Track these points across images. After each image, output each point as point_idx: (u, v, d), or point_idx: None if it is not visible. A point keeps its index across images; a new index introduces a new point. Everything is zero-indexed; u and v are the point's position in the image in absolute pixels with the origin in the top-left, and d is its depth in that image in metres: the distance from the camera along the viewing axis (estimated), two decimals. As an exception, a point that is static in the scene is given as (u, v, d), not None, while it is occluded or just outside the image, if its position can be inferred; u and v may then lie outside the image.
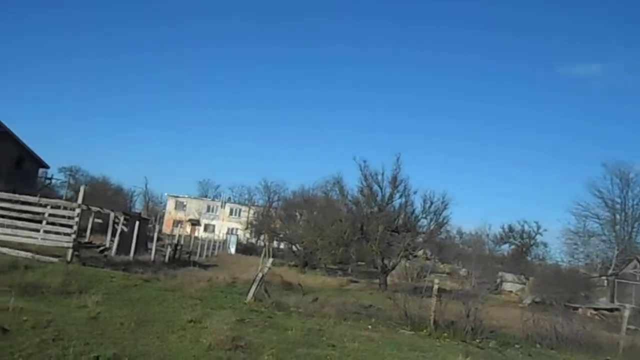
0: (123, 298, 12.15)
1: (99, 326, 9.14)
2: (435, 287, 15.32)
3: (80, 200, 15.29)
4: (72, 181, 78.19)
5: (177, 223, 73.43)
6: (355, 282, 30.05)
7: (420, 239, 26.38)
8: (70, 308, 10.21)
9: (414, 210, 27.29)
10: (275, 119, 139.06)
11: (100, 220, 27.35)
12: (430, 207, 26.74)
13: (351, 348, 10.54)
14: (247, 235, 53.46)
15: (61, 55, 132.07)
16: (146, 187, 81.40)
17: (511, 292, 38.12)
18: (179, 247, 33.94)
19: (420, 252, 40.46)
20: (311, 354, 9.44)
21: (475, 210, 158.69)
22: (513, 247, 58.47)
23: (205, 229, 68.47)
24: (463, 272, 43.43)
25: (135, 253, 22.91)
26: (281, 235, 41.43)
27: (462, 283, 28.58)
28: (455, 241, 60.73)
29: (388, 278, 28.79)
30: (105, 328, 9.09)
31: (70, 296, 11.15)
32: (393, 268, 27.66)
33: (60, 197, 49.23)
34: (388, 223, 26.42)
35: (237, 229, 60.06)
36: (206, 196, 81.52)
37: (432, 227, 27.15)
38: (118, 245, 22.84)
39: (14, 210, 15.37)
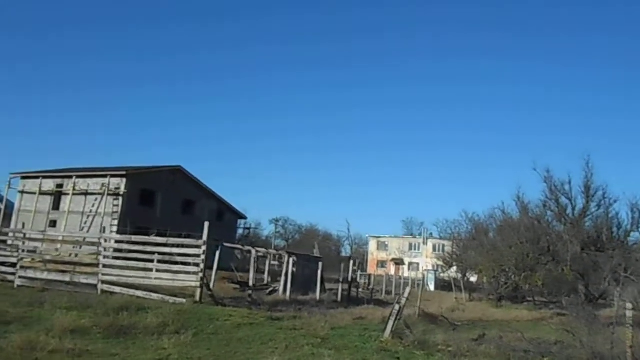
0: (222, 338, 10.87)
1: (153, 370, 7.86)
2: (629, 313, 11.33)
3: (205, 237, 14.66)
4: (282, 231, 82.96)
5: (380, 263, 72.80)
6: (562, 315, 25.25)
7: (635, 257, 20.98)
8: (146, 350, 9.17)
9: (619, 223, 22.16)
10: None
11: (276, 263, 27.18)
12: (639, 216, 21.46)
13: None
14: (449, 270, 50.06)
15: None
16: (349, 230, 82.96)
17: None
18: (370, 287, 32.55)
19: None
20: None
21: None
22: None
23: (409, 267, 66.38)
24: None
25: (300, 293, 22.02)
26: (464, 266, 37.52)
27: None
28: None
29: (614, 308, 23.74)
30: (158, 372, 7.77)
31: (161, 337, 10.16)
32: (601, 296, 22.49)
33: (266, 246, 51.63)
34: (585, 241, 21.71)
35: (440, 265, 56.93)
36: (411, 234, 79.66)
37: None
38: (285, 285, 22.21)
39: (146, 252, 15.33)
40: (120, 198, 39.41)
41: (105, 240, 15.98)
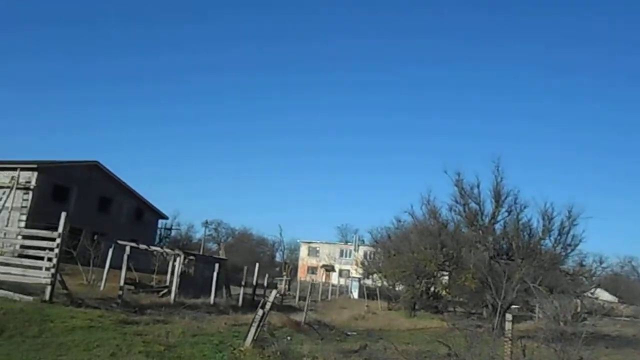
0: (40, 342, 9.48)
1: None
2: (508, 324, 10.50)
3: (60, 229, 13.09)
4: (214, 234, 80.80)
5: (311, 269, 71.53)
6: (479, 326, 24.52)
7: (543, 267, 20.26)
8: None
9: (530, 230, 21.40)
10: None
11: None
12: (549, 223, 20.79)
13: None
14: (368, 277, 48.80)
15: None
16: (281, 235, 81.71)
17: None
18: (288, 292, 31.28)
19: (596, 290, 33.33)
20: None
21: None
22: None
23: (340, 274, 65.37)
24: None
25: (195, 295, 20.58)
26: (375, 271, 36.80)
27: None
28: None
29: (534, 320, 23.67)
30: None
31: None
32: (509, 306, 21.71)
33: (196, 249, 49.63)
34: (495, 248, 20.92)
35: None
36: (347, 242, 78.81)
37: (557, 251, 20.93)
38: (179, 287, 20.71)
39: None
40: (30, 192, 36.99)
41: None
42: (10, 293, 12.83)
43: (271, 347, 11.21)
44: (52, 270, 12.85)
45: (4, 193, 37.93)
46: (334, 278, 61.69)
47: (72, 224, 37.62)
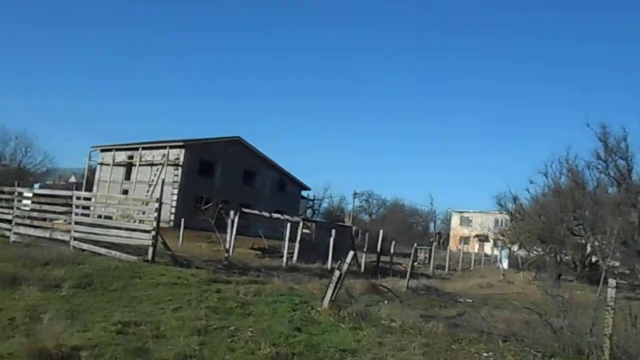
0: (118, 295, 9.88)
1: None
2: (612, 291, 8.90)
3: (158, 195, 13.75)
4: (365, 205, 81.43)
5: (463, 240, 69.07)
6: (629, 298, 21.78)
7: None
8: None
9: None
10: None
11: (307, 231, 26.07)
12: None
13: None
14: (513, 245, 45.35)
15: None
16: (432, 204, 79.98)
17: None
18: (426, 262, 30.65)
19: None
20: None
21: None
22: None
23: (495, 244, 62.38)
24: None
25: (313, 261, 20.87)
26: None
27: None
28: None
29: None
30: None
31: (47, 289, 9.51)
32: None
33: (349, 221, 50.48)
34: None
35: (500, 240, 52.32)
36: (505, 210, 74.84)
37: None
38: (299, 252, 21.22)
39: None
40: (180, 168, 40.12)
41: (77, 198, 15.60)
42: (118, 253, 13.80)
43: (348, 308, 10.79)
44: (153, 233, 13.57)
45: (157, 169, 41.61)
46: (487, 248, 59.17)
47: (218, 196, 40.34)
